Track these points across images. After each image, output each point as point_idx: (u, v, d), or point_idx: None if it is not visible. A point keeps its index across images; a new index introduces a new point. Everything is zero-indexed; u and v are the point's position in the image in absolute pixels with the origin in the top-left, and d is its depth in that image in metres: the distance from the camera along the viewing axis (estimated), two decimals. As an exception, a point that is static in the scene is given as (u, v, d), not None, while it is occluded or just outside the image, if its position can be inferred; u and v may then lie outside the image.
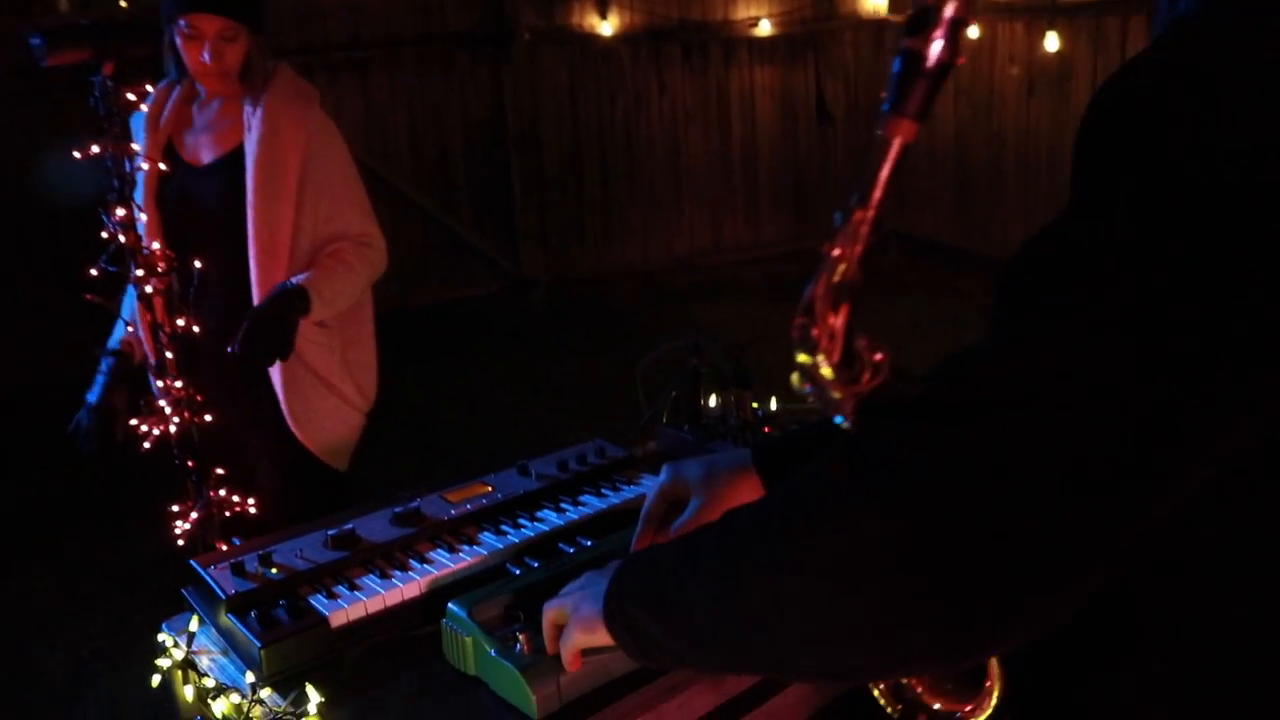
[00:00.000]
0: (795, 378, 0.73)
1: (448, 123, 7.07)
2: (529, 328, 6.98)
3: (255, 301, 2.27)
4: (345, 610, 1.35)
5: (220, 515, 2.34)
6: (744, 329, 2.25)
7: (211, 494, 2.30)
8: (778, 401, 2.09)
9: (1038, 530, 0.65)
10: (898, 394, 0.70)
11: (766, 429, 1.95)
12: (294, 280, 2.24)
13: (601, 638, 1.02)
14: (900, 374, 0.70)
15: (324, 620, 1.33)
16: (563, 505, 1.64)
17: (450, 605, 1.29)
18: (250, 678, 1.27)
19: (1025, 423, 0.63)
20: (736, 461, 1.34)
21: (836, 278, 0.69)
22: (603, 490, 1.69)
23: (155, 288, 2.15)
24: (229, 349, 2.09)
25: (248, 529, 2.34)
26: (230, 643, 1.37)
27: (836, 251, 0.69)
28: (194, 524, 2.30)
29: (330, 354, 2.43)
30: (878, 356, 0.69)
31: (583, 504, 1.65)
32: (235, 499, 2.33)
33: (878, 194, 0.69)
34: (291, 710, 1.20)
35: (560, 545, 1.52)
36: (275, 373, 2.35)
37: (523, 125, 7.20)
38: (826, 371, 0.70)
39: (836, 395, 0.71)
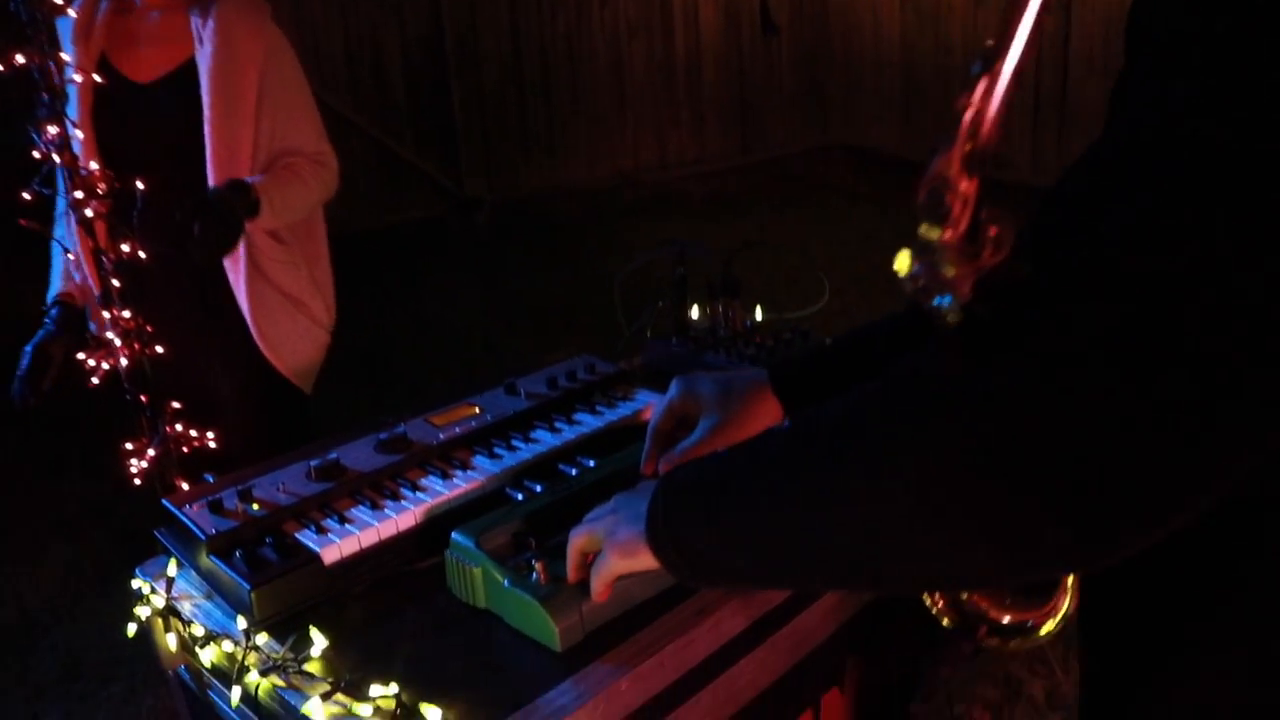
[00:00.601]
0: (904, 258, 0.63)
1: (384, 40, 6.80)
2: (475, 249, 6.81)
3: None
4: (338, 545, 1.25)
5: (178, 451, 2.21)
6: (670, 262, 2.15)
7: (168, 429, 2.17)
8: (763, 312, 2.01)
9: (1196, 421, 0.57)
10: (1015, 274, 0.61)
11: (758, 339, 1.87)
12: (248, 180, 2.09)
13: (644, 561, 0.94)
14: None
15: (316, 558, 1.23)
16: (557, 425, 1.54)
17: (454, 535, 1.20)
18: (242, 623, 1.17)
19: (1193, 301, 0.55)
20: (753, 381, 1.25)
21: (972, 141, 0.59)
22: (597, 407, 1.60)
23: (96, 211, 1.99)
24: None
25: (209, 465, 2.21)
26: (214, 586, 1.26)
27: (972, 110, 0.59)
28: (151, 462, 2.17)
29: (296, 270, 2.30)
30: (1001, 229, 0.60)
31: (578, 422, 1.55)
32: (194, 434, 2.20)
33: (1018, 40, 0.59)
34: (292, 656, 1.11)
35: (560, 466, 1.43)
36: (242, 295, 2.22)
37: (461, 41, 6.95)
38: (948, 246, 0.61)
39: (952, 273, 0.61)
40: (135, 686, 2.95)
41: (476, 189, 7.10)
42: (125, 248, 2.04)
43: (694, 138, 7.96)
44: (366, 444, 1.47)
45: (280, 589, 1.19)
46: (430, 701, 1.02)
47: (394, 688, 1.04)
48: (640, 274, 2.21)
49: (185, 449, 2.21)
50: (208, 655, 1.20)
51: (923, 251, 0.61)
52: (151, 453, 2.16)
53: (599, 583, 1.02)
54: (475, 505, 1.36)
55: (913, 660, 1.60)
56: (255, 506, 1.31)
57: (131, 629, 1.35)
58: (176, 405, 2.17)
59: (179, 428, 2.19)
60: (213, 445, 2.21)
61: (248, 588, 1.17)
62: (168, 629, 1.27)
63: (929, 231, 0.60)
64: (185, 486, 2.17)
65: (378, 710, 1.02)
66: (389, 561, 1.29)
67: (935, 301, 0.64)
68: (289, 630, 1.17)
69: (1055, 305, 0.61)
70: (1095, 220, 0.64)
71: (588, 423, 1.55)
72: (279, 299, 2.31)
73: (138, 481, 2.22)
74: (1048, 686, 2.66)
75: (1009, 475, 0.62)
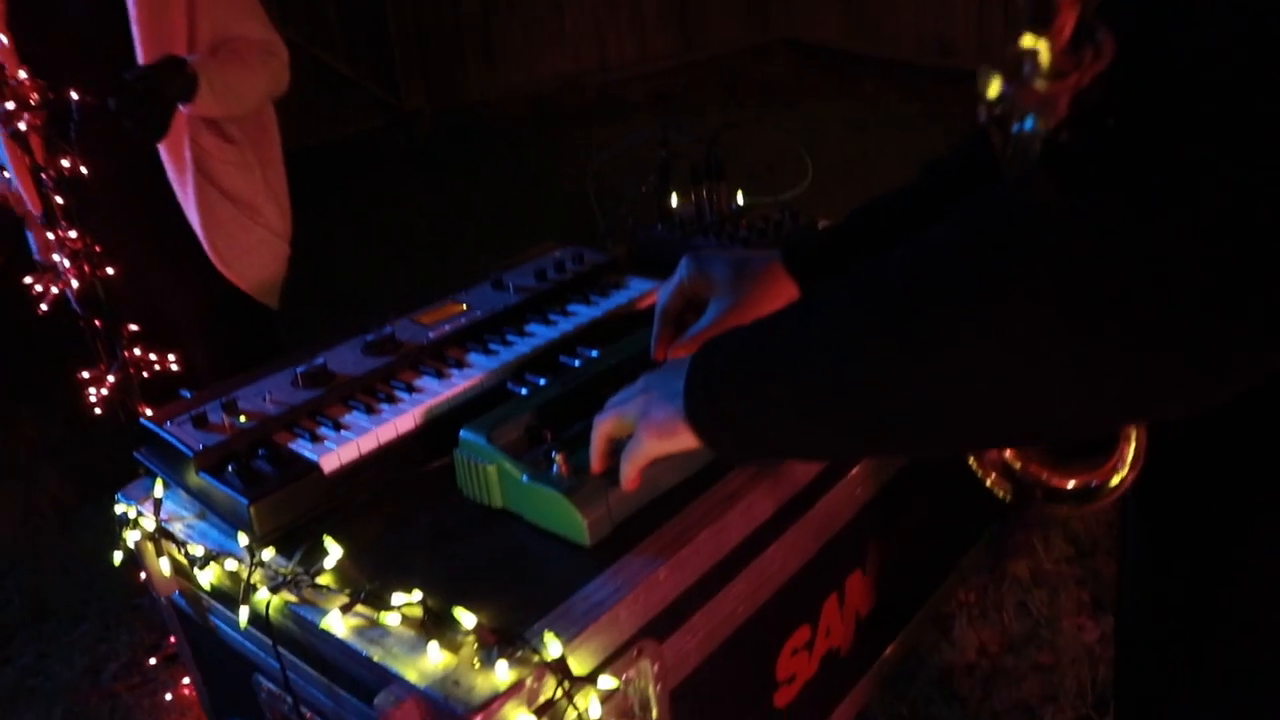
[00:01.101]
0: (995, 80, 0.56)
1: (306, -57, 6.48)
2: (418, 162, 6.61)
3: None
4: (336, 453, 1.17)
5: (139, 377, 2.10)
6: (641, 149, 2.06)
7: (127, 354, 2.05)
8: (744, 196, 1.93)
9: None
10: (1108, 97, 0.54)
11: (745, 222, 1.79)
12: (183, 57, 1.94)
13: (682, 441, 0.87)
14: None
15: (315, 467, 1.15)
16: (551, 317, 1.46)
17: (463, 433, 1.12)
18: (243, 540, 1.09)
19: None
20: (767, 261, 1.18)
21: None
22: (591, 298, 1.52)
23: (30, 124, 1.85)
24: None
25: (173, 390, 2.11)
26: (207, 504, 1.18)
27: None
28: (111, 389, 2.06)
29: (249, 174, 2.17)
30: (1105, 34, 0.53)
31: (572, 313, 1.48)
32: (154, 358, 2.09)
33: None
34: (303, 570, 1.03)
35: (561, 359, 1.35)
36: (191, 207, 2.08)
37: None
38: (1047, 58, 0.53)
39: (1048, 88, 0.54)
40: (109, 623, 2.87)
41: (415, 99, 6.87)
42: (65, 163, 1.91)
43: (634, 38, 7.75)
44: (352, 348, 1.38)
45: (280, 502, 1.11)
46: (458, 605, 0.95)
47: (418, 594, 0.97)
48: (606, 167, 2.11)
49: (146, 374, 2.10)
50: (207, 577, 1.13)
51: (1013, 71, 0.54)
52: (111, 379, 2.05)
53: (631, 468, 0.95)
54: (476, 403, 1.28)
55: (931, 540, 1.57)
56: (242, 419, 1.22)
57: (117, 557, 1.26)
58: (134, 328, 2.05)
59: (138, 352, 2.08)
60: (175, 369, 2.10)
61: (246, 503, 1.09)
62: (160, 553, 1.19)
63: (1028, 40, 0.53)
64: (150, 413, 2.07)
65: (405, 619, 0.95)
66: (391, 467, 1.21)
67: (1018, 128, 0.57)
68: (293, 545, 1.09)
69: (1167, 141, 0.54)
70: (1207, 54, 0.57)
71: (583, 313, 1.47)
72: (231, 209, 2.18)
73: (98, 411, 2.11)
74: (1031, 565, 2.68)
75: (1122, 307, 0.56)
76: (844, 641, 1.38)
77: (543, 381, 1.27)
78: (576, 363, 1.33)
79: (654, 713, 1.03)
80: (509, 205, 5.60)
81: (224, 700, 1.37)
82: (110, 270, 1.99)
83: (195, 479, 1.17)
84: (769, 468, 1.15)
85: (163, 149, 2.06)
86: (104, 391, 2.06)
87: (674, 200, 1.89)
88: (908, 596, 1.55)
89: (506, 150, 6.58)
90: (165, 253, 2.17)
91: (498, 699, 0.87)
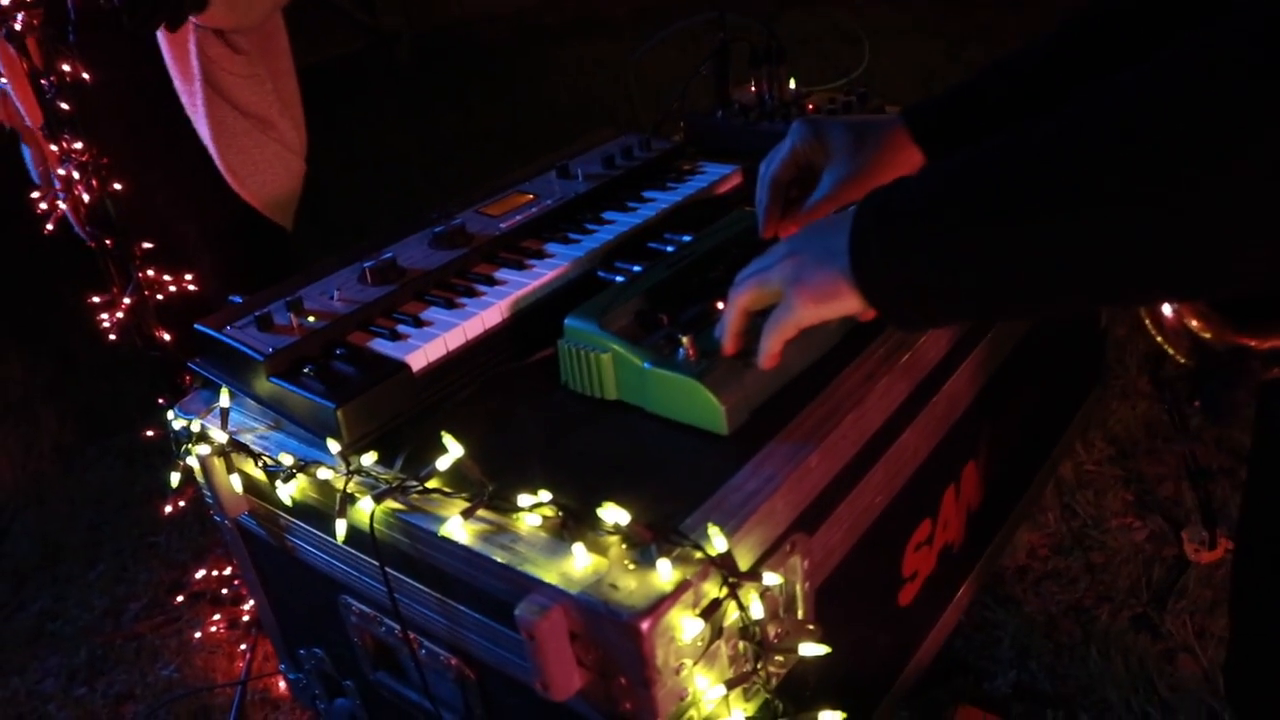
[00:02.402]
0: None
1: None
2: (400, 85, 6.40)
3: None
4: (423, 350, 1.06)
5: (154, 300, 1.96)
6: (620, 65, 1.91)
7: (140, 275, 1.92)
8: (795, 82, 1.81)
9: None
10: None
11: (811, 105, 1.67)
12: None
13: (842, 304, 0.78)
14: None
15: (403, 366, 1.04)
16: (628, 205, 1.34)
17: (570, 321, 1.01)
18: (334, 446, 0.98)
19: None
20: (889, 125, 1.07)
21: None
22: (667, 184, 1.40)
23: (25, 23, 1.69)
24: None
25: (189, 315, 1.97)
26: (284, 412, 1.06)
27: None
28: (127, 311, 1.93)
29: (260, 86, 2.01)
30: None
31: (650, 199, 1.36)
32: (168, 278, 1.95)
33: None
34: (407, 475, 0.92)
35: (650, 245, 1.24)
36: (201, 120, 1.93)
37: None
38: None
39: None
40: (124, 563, 2.76)
41: (393, 21, 6.63)
42: (66, 68, 1.75)
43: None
44: (419, 241, 1.26)
45: (370, 404, 1.00)
46: (601, 504, 0.85)
47: (546, 495, 0.86)
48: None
49: (161, 296, 1.97)
50: (287, 491, 1.02)
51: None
52: (127, 302, 1.92)
53: (775, 340, 0.85)
54: (565, 294, 1.17)
55: (1029, 434, 1.48)
56: (311, 319, 1.11)
57: (175, 479, 1.15)
58: (148, 246, 1.91)
59: (151, 274, 1.94)
60: (193, 288, 1.96)
61: (332, 406, 0.98)
62: (231, 469, 1.08)
63: None
64: (168, 338, 1.95)
65: (544, 521, 0.85)
66: (482, 364, 1.10)
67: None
68: (390, 450, 0.98)
69: None
70: None
71: (661, 199, 1.35)
72: (243, 123, 2.03)
73: (113, 338, 1.98)
74: (1073, 466, 2.61)
75: None
76: (957, 537, 1.29)
77: (636, 268, 1.16)
78: (669, 248, 1.21)
79: (800, 611, 0.94)
80: (498, 125, 5.43)
81: (299, 629, 1.27)
82: (118, 186, 1.85)
83: (267, 385, 1.05)
84: (911, 339, 1.05)
85: (169, 59, 1.90)
86: (119, 315, 1.93)
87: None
88: (1009, 491, 1.46)
89: (489, 70, 6.38)
90: (175, 168, 2.02)
91: (665, 601, 0.77)
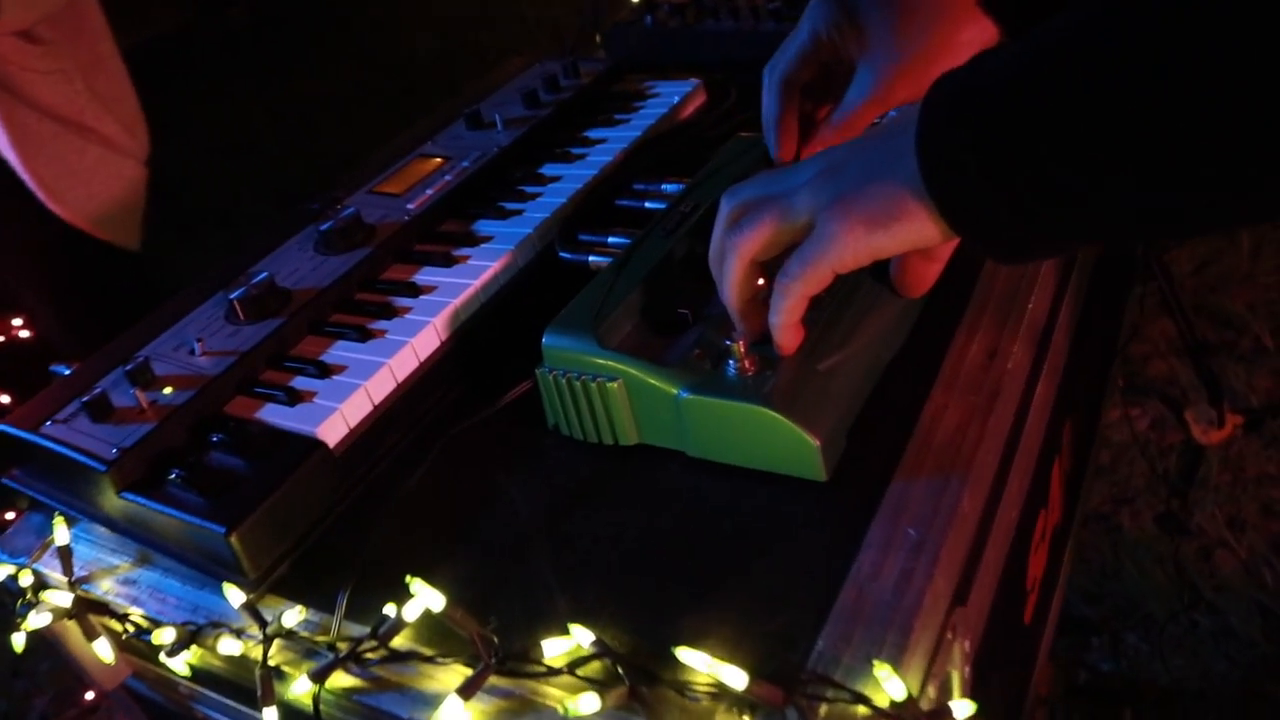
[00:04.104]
0: None
1: None
2: (241, 53, 5.84)
3: None
4: (339, 413, 0.72)
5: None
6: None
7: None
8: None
9: None
10: None
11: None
12: None
13: (909, 231, 0.55)
14: None
15: (313, 444, 0.70)
16: (572, 152, 1.01)
17: (550, 340, 0.68)
18: (234, 595, 0.64)
19: None
20: None
21: None
22: (615, 117, 1.06)
23: None
24: None
25: (24, 370, 1.58)
26: (151, 542, 0.72)
27: None
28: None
29: (69, 84, 1.59)
30: None
31: (601, 140, 1.02)
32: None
33: None
34: (359, 639, 0.59)
35: (621, 203, 0.91)
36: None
37: None
38: None
39: None
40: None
41: (218, -16, 6.05)
42: None
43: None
44: (300, 246, 0.91)
45: (277, 515, 0.66)
46: (676, 645, 0.53)
47: (584, 635, 0.54)
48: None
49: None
50: (179, 663, 0.68)
51: None
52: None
53: (799, 293, 0.60)
54: (521, 291, 0.84)
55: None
56: (167, 390, 0.75)
57: (19, 640, 0.79)
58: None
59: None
60: (26, 334, 1.57)
61: (220, 530, 0.64)
62: (91, 634, 0.73)
63: None
64: (4, 400, 1.56)
65: (590, 684, 0.53)
66: (425, 415, 0.77)
67: None
68: (317, 583, 0.65)
69: None
70: None
71: (616, 137, 1.02)
72: (52, 127, 1.62)
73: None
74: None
75: None
76: (1058, 514, 1.01)
77: (615, 240, 0.83)
78: (651, 204, 0.89)
79: (955, 693, 0.64)
80: (364, 84, 4.95)
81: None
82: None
83: (119, 504, 0.70)
84: (1023, 284, 0.75)
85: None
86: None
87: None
88: (1088, 434, 1.19)
89: (341, 27, 5.85)
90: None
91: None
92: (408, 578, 0.57)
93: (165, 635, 0.64)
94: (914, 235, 0.54)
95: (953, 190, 0.52)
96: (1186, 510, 1.97)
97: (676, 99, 1.06)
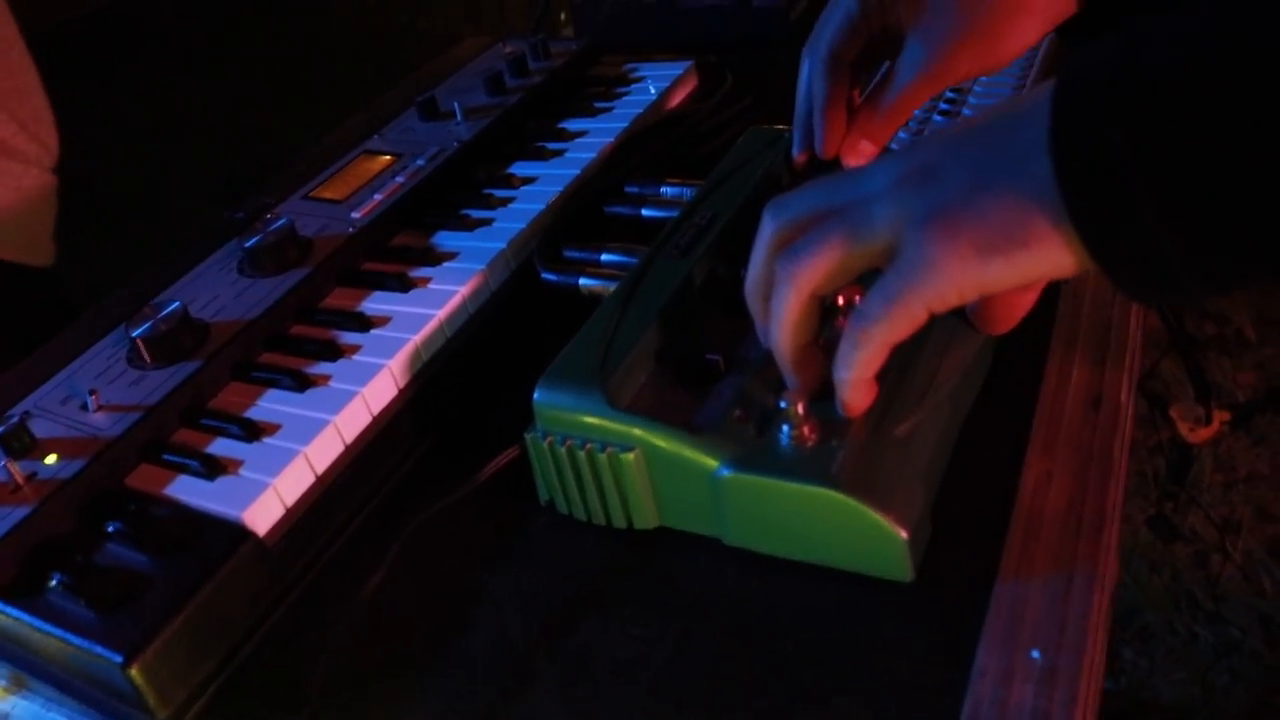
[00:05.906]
0: None
1: None
2: (170, 40, 5.56)
3: None
4: (273, 489, 0.56)
5: None
6: None
7: None
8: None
9: None
10: None
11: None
12: None
13: (1037, 259, 0.40)
14: None
15: (239, 534, 0.54)
16: (547, 148, 0.85)
17: (541, 397, 0.53)
18: (133, 748, 0.49)
19: None
20: None
21: None
22: (595, 106, 0.91)
23: None
24: None
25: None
26: (29, 666, 0.55)
27: None
28: None
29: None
30: None
31: (581, 132, 0.87)
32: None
33: None
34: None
35: (613, 210, 0.76)
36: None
37: None
38: None
39: None
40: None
41: (138, -36, 5.76)
42: None
43: None
44: (220, 267, 0.74)
45: (193, 632, 0.50)
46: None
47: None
48: None
49: None
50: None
51: None
52: None
53: (879, 341, 0.46)
54: (494, 324, 0.69)
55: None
56: (51, 459, 0.59)
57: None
58: None
59: None
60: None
61: (118, 659, 0.48)
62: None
63: None
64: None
65: None
66: (380, 488, 0.61)
67: None
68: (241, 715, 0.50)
69: None
70: None
71: (598, 130, 0.87)
72: None
73: None
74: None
75: None
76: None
77: (611, 258, 0.68)
78: (656, 212, 0.74)
79: None
80: (313, 60, 4.73)
81: None
82: None
83: (-14, 615, 0.54)
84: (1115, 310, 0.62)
85: None
86: None
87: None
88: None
89: (279, 4, 5.59)
90: None
91: None
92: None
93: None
94: (1043, 265, 0.41)
95: (1104, 211, 0.38)
96: (1179, 513, 1.89)
97: (666, 84, 0.91)
